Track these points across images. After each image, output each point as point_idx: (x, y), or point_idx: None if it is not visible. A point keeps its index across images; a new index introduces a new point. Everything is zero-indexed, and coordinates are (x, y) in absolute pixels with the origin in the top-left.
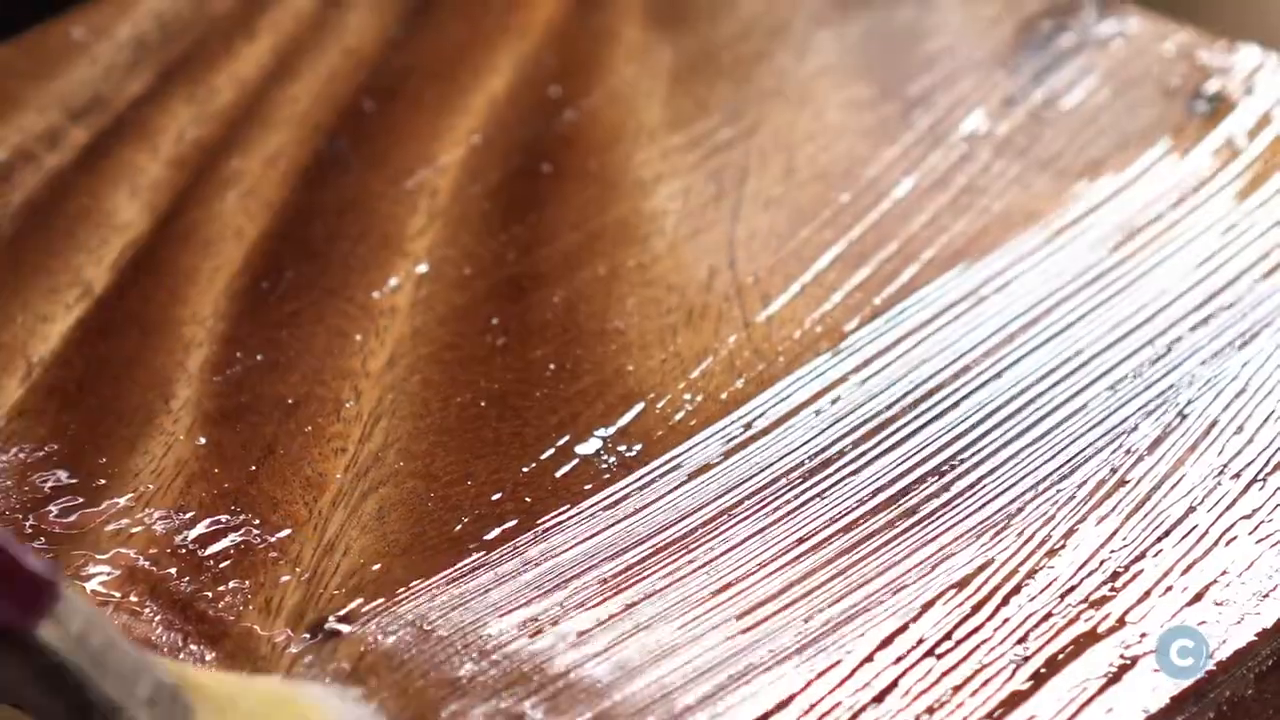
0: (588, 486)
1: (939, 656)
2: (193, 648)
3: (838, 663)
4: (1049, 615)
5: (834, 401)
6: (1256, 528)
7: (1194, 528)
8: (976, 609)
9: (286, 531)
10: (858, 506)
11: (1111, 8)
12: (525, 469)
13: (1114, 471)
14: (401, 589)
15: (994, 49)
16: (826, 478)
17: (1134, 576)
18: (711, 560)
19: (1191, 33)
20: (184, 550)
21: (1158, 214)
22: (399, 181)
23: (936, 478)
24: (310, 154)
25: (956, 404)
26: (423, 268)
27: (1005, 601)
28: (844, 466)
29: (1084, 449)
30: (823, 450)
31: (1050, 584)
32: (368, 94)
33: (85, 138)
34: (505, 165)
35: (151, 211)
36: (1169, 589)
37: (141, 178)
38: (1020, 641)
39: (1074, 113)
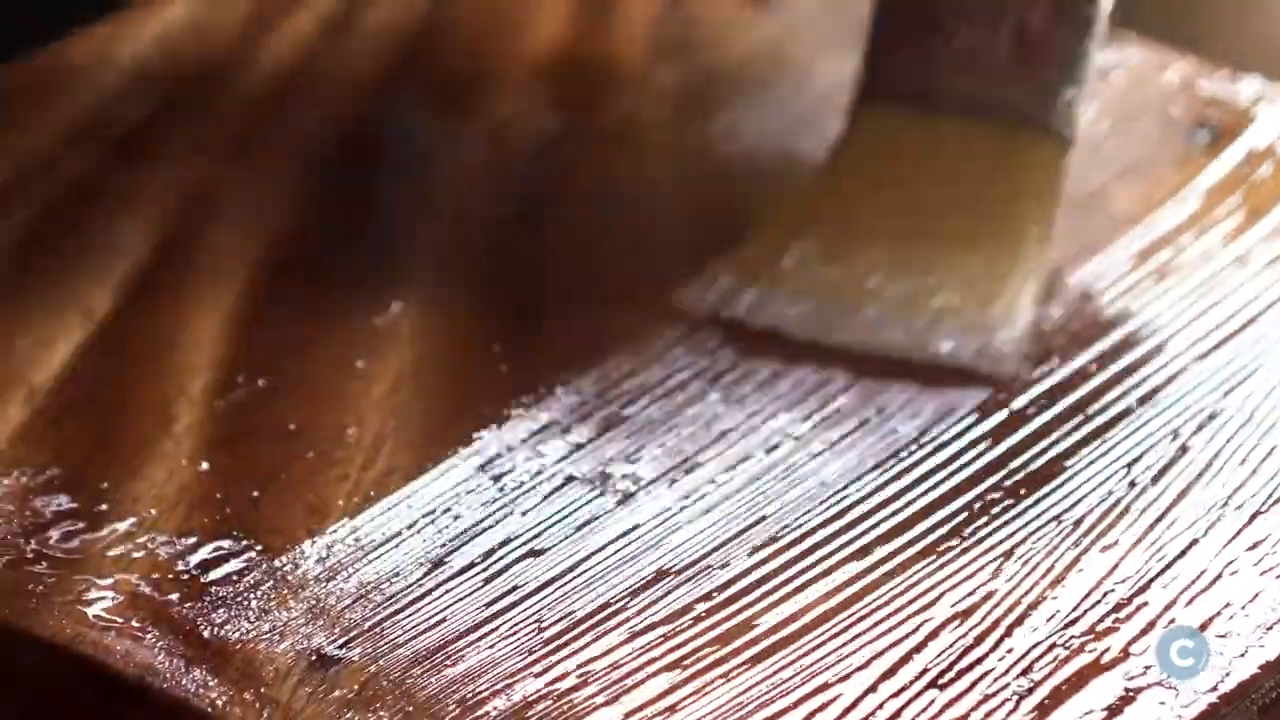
0: (587, 518)
1: (942, 687)
2: (195, 673)
3: (840, 694)
4: (1053, 646)
5: (834, 433)
6: (1260, 560)
7: (1197, 560)
8: (980, 640)
9: (289, 557)
10: (861, 536)
11: (1112, 37)
12: (526, 501)
13: (1118, 503)
14: (405, 617)
15: None
16: (830, 508)
17: (1138, 608)
18: (713, 591)
19: (1193, 63)
20: (186, 576)
21: (1160, 245)
22: (402, 207)
23: (940, 508)
24: (312, 179)
25: (961, 434)
26: (425, 293)
27: (1009, 633)
28: (848, 496)
29: (1088, 480)
30: (821, 480)
31: (1054, 615)
32: (369, 120)
33: (86, 162)
34: (507, 192)
35: (153, 236)
36: (1173, 621)
37: (143, 203)
38: (1024, 673)
39: (1079, 143)
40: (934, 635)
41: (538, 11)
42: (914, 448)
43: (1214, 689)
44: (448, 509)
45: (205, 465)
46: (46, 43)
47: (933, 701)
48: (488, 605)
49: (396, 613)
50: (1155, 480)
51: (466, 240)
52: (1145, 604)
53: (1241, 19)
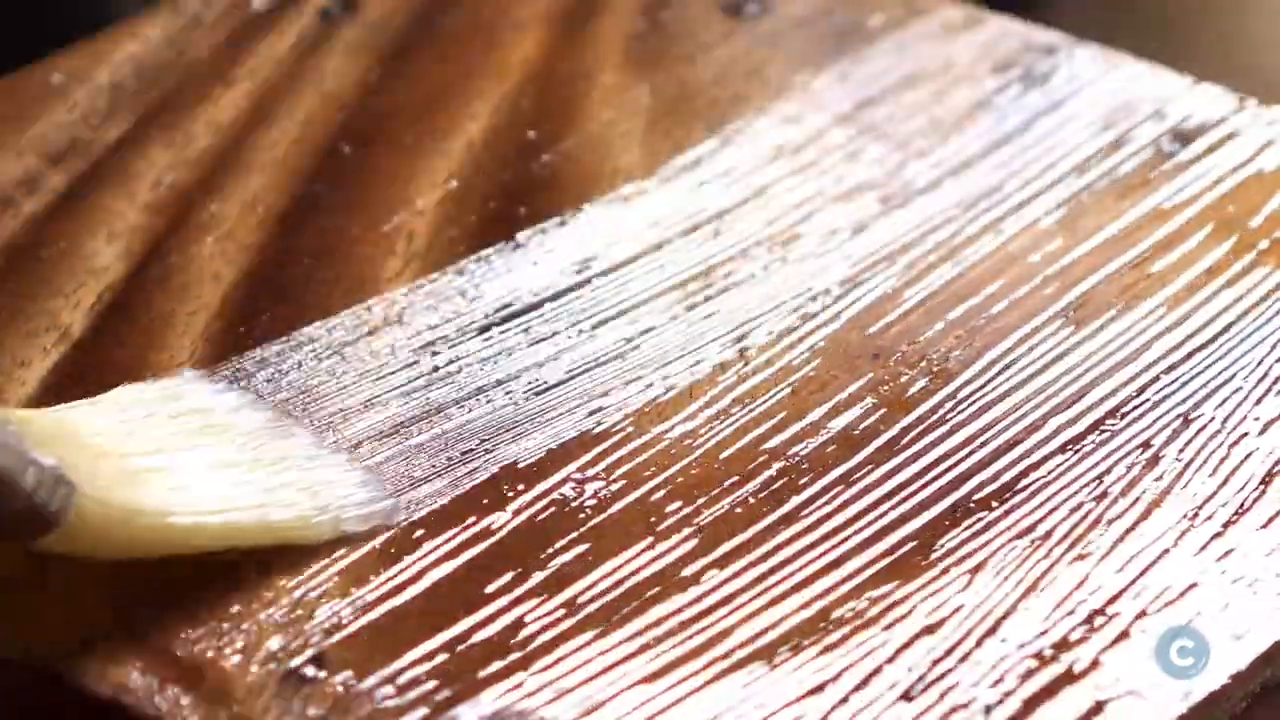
0: (565, 529)
1: (912, 699)
2: (168, 691)
3: (812, 707)
4: (1024, 657)
5: (808, 447)
6: (1230, 570)
7: (1168, 570)
8: (950, 652)
9: (265, 574)
10: (832, 550)
11: (1087, 49)
12: (502, 514)
13: (1088, 514)
14: (378, 634)
15: (970, 91)
16: (802, 520)
17: (1109, 619)
18: (685, 605)
19: (1168, 75)
20: (162, 594)
21: (1133, 256)
22: (376, 225)
23: (911, 520)
24: (288, 198)
25: (932, 446)
26: (399, 312)
27: (979, 644)
28: (819, 509)
29: (1058, 491)
30: (798, 493)
31: (1025, 626)
32: (345, 138)
33: (63, 183)
34: (482, 209)
35: (129, 256)
36: (1144, 631)
37: (119, 222)
38: (995, 684)
39: (1051, 156)
40: (905, 647)
41: (515, 29)
42: (884, 458)
43: (1185, 698)
44: (421, 526)
45: None
46: (25, 64)
47: (903, 714)
48: (458, 620)
49: (368, 630)
50: (1126, 490)
51: (441, 260)
52: (1116, 614)
53: (1225, 37)
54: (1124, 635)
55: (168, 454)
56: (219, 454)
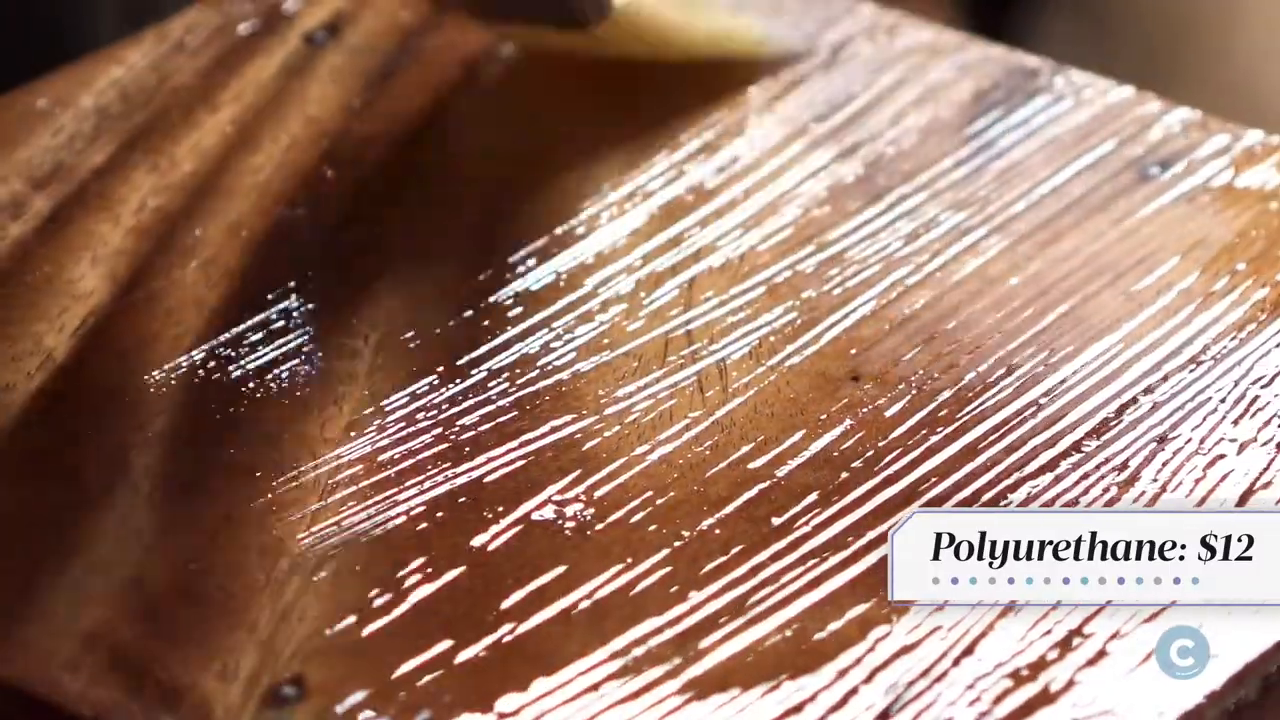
0: (544, 551)
1: (890, 719)
2: (150, 713)
3: None
4: (1001, 677)
5: (787, 469)
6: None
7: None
8: (927, 672)
9: (244, 597)
10: (811, 570)
11: (1067, 74)
12: (482, 536)
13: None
14: (357, 655)
15: (951, 114)
16: (781, 541)
17: (1085, 639)
18: (664, 626)
19: (1148, 98)
20: (142, 615)
21: (1111, 278)
22: (358, 250)
23: (888, 540)
24: (271, 223)
25: (911, 468)
26: (386, 336)
27: (956, 664)
28: (799, 530)
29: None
30: (778, 515)
31: (1002, 646)
32: (329, 163)
33: (47, 206)
34: (468, 230)
35: (113, 280)
36: (1121, 650)
37: (103, 246)
38: (972, 704)
39: (1031, 178)
40: (882, 668)
41: (495, 53)
42: (862, 480)
43: (1159, 717)
44: (401, 548)
45: (162, 506)
46: (9, 89)
47: None
48: (437, 642)
49: (347, 651)
50: (1105, 511)
51: (435, 283)
52: (1092, 634)
53: (1206, 60)
54: (1101, 655)
55: None
56: None
